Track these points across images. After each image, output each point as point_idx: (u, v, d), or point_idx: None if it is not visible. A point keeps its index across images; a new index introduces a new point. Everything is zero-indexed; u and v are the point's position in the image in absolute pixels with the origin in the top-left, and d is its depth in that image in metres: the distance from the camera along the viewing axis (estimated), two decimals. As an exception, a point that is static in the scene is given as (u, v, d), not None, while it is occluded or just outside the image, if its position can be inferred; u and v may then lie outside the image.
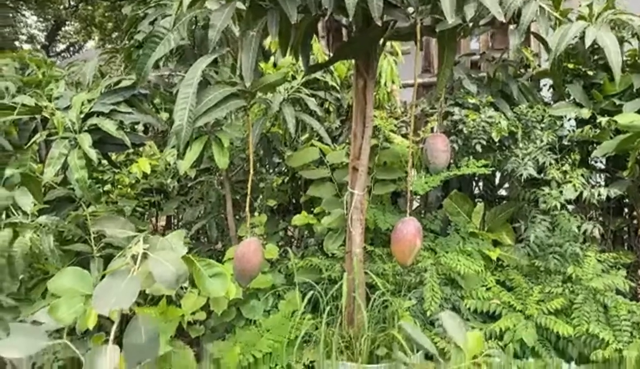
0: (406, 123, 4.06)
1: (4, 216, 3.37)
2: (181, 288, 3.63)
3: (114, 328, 2.03)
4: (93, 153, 3.41)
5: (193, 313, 3.48)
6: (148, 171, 4.57)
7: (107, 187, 4.51)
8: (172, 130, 2.55)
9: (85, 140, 3.45)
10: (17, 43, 10.64)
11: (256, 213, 4.34)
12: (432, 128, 3.91)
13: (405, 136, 3.95)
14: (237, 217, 4.36)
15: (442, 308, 3.22)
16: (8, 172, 3.45)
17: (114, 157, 4.60)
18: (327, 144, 4.09)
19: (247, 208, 3.15)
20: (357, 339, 3.05)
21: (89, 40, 10.78)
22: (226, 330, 3.54)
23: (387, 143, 3.85)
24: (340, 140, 4.28)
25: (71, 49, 12.08)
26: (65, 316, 2.04)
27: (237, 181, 4.43)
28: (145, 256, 2.19)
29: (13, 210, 3.36)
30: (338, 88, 4.15)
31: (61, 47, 12.16)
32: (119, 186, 4.58)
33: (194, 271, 2.63)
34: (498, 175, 4.34)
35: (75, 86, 4.36)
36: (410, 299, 3.31)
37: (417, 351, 3.07)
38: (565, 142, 3.83)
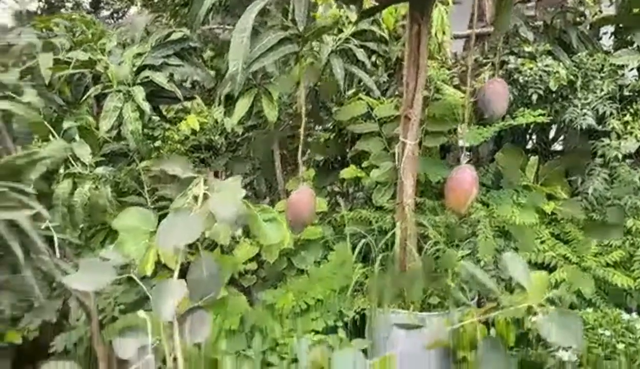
0: (457, 75, 3.94)
1: (61, 169, 3.47)
2: (234, 240, 3.71)
3: (177, 265, 2.08)
4: (146, 106, 3.47)
5: (245, 263, 3.56)
6: (197, 128, 4.63)
7: (158, 143, 4.59)
8: (227, 75, 2.55)
9: (139, 92, 3.50)
10: (63, 10, 10.82)
11: (304, 168, 4.34)
12: (484, 79, 3.79)
13: (457, 87, 3.84)
14: (284, 172, 4.39)
15: (496, 259, 3.17)
16: (66, 124, 3.55)
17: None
18: (375, 98, 4.03)
19: (299, 158, 3.16)
20: (409, 288, 3.05)
21: (132, 5, 10.85)
22: (277, 280, 3.60)
23: (439, 94, 3.76)
24: (388, 94, 4.21)
25: (114, 15, 12.21)
26: (131, 252, 2.11)
27: (284, 136, 4.43)
28: (206, 196, 2.23)
29: (72, 162, 3.46)
30: (387, 38, 4.05)
31: (105, 13, 12.30)
32: (169, 142, 4.66)
33: (250, 216, 2.67)
34: (553, 129, 4.20)
35: (124, 47, 4.40)
36: (462, 249, 3.28)
37: (472, 300, 3.06)
38: (626, 92, 3.66)
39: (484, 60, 3.92)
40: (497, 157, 3.92)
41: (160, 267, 3.34)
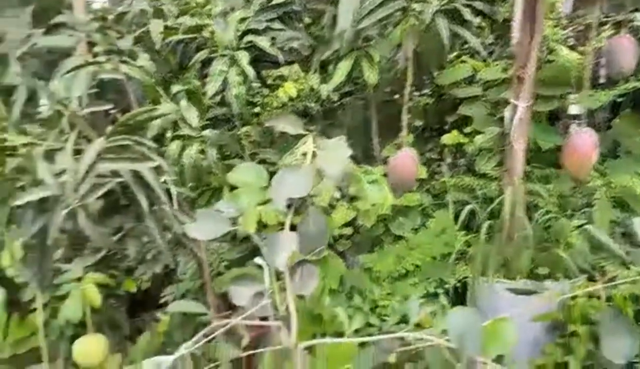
0: (573, 35, 3.66)
1: (168, 133, 3.63)
2: (330, 205, 3.74)
3: (288, 217, 2.11)
4: (250, 70, 3.54)
5: (340, 228, 3.57)
6: (294, 95, 4.67)
7: (257, 110, 4.69)
8: (336, 31, 2.53)
9: (243, 57, 3.58)
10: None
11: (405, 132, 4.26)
12: (603, 39, 3.48)
13: (571, 48, 3.56)
14: (380, 138, 4.33)
15: (613, 230, 2.95)
16: (174, 88, 3.70)
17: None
18: (480, 60, 3.85)
19: (403, 121, 3.10)
20: (516, 258, 2.92)
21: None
22: (372, 245, 3.59)
23: (552, 56, 3.51)
24: (494, 57, 4.00)
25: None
26: (244, 205, 2.17)
27: (382, 102, 4.36)
28: (314, 154, 2.24)
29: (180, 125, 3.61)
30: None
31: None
32: (267, 108, 4.74)
33: (353, 176, 2.66)
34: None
35: (224, 14, 4.48)
36: (577, 219, 3.08)
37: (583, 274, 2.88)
38: None
39: (604, 19, 3.60)
40: (615, 123, 3.62)
41: (261, 228, 3.46)
